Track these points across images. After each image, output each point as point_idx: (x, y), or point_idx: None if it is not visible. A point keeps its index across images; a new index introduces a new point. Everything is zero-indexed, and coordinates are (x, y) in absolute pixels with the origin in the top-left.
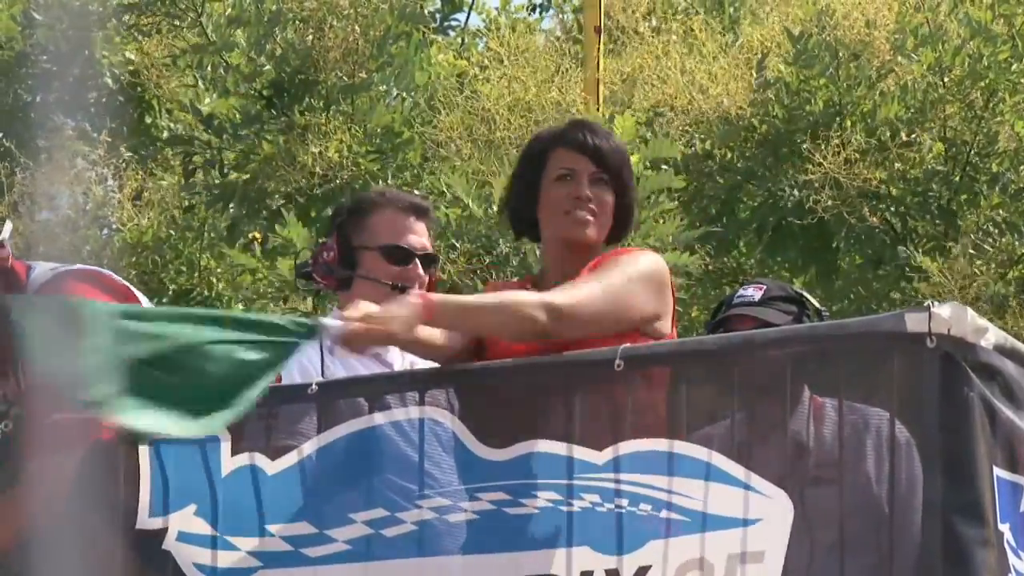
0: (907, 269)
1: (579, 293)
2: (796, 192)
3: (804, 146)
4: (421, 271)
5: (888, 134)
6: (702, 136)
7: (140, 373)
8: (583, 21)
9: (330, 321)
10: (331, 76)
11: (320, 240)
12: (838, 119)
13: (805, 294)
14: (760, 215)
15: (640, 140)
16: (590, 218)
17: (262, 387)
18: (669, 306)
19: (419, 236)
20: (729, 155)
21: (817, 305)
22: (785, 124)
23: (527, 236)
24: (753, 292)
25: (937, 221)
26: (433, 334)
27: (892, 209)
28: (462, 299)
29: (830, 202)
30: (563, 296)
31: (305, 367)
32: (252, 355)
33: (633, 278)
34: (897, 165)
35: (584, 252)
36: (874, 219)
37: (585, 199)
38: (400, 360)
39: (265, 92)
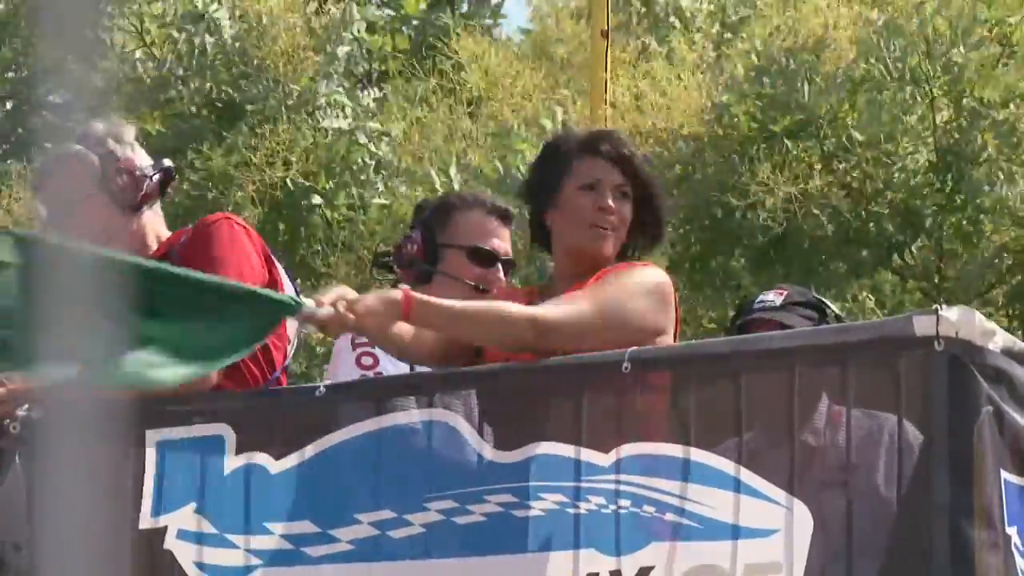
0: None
1: (567, 308)
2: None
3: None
4: (502, 275)
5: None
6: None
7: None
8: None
9: (307, 301)
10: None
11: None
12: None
13: (825, 300)
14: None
15: None
16: (610, 232)
17: (237, 355)
18: (672, 322)
19: (503, 241)
20: (690, 168)
21: (837, 311)
22: (753, 130)
23: (541, 243)
24: (774, 297)
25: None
26: (409, 333)
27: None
28: (445, 302)
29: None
30: (551, 311)
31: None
32: (233, 324)
33: (632, 292)
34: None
35: (596, 264)
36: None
37: (608, 211)
38: None
39: (205, 111)
